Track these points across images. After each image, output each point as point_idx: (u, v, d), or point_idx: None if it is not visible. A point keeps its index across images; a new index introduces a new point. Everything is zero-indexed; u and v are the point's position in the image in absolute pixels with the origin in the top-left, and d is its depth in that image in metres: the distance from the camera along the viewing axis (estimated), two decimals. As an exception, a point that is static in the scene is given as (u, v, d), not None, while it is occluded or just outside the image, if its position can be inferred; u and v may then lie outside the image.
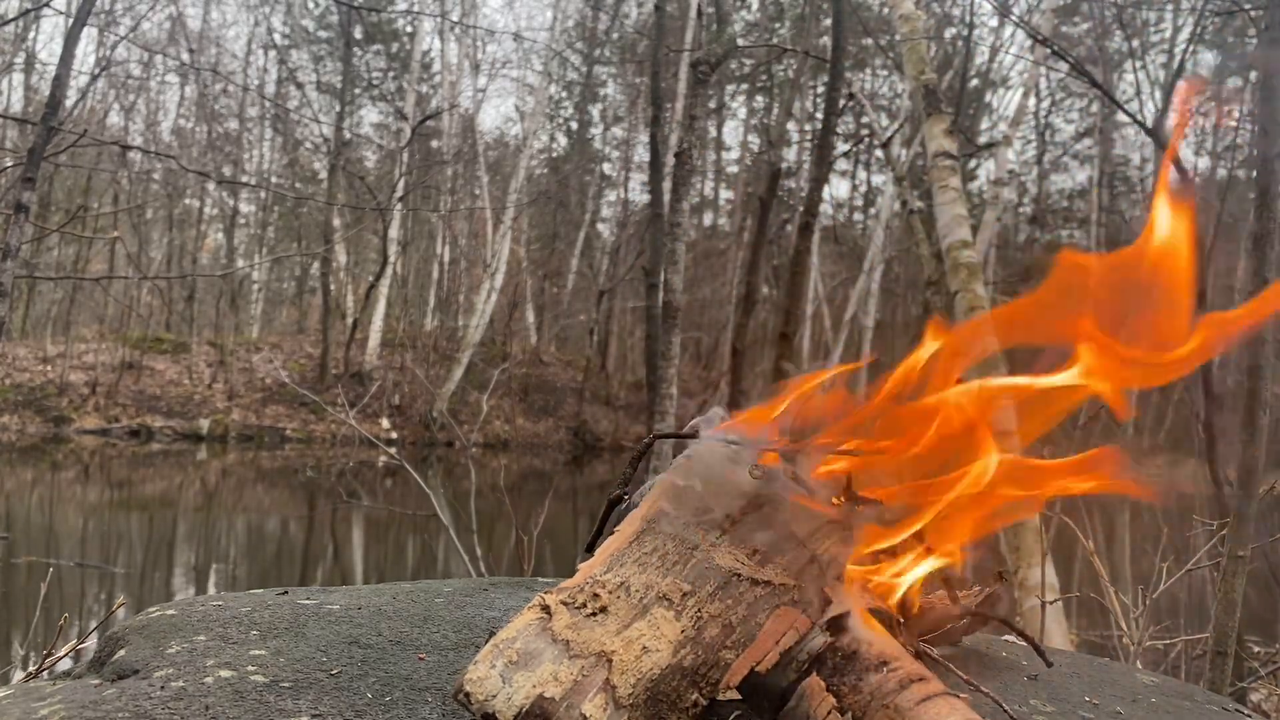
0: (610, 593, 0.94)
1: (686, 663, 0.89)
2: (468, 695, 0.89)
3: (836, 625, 0.96)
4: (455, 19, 22.12)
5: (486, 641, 0.94)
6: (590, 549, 1.21)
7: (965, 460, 1.07)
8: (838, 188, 28.34)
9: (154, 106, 24.01)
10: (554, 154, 28.98)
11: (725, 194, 29.98)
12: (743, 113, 28.98)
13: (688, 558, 0.98)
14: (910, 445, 1.10)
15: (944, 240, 4.63)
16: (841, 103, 6.63)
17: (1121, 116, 20.34)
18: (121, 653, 1.16)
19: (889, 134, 8.31)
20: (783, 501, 1.05)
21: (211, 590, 7.78)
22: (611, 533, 1.10)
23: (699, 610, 0.93)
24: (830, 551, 1.02)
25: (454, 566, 7.95)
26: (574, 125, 29.06)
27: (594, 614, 0.93)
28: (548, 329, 26.03)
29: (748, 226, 23.44)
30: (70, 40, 2.84)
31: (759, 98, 28.10)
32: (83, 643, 1.93)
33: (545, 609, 0.94)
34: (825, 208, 24.97)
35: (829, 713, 0.89)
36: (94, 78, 15.08)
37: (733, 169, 29.68)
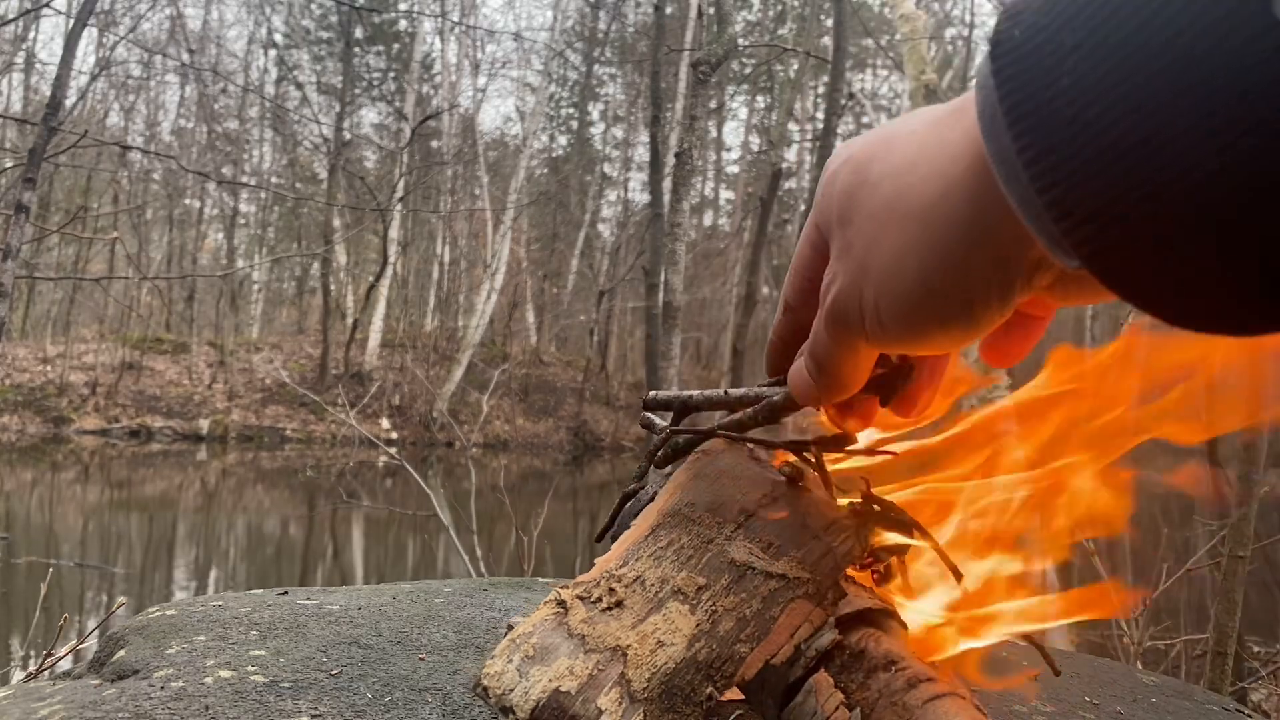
0: (626, 587, 0.95)
1: (701, 656, 0.89)
2: (485, 689, 0.90)
3: (846, 623, 0.96)
4: (455, 19, 22.14)
5: (487, 640, 0.94)
6: (600, 539, 1.22)
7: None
8: (838, 188, 28.33)
9: (154, 107, 24.05)
10: (554, 154, 29.01)
11: (725, 194, 30.03)
12: (743, 113, 29.03)
13: (703, 551, 0.98)
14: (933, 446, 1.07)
15: (944, 240, 4.63)
16: (842, 103, 6.62)
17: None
18: (121, 653, 1.17)
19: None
20: (799, 496, 1.05)
21: (211, 590, 7.78)
22: (625, 526, 1.11)
23: (714, 604, 0.92)
24: (845, 545, 1.02)
25: (454, 566, 7.95)
26: (574, 125, 29.10)
27: (609, 608, 0.93)
28: (548, 329, 26.04)
29: (748, 226, 23.46)
30: (71, 40, 2.84)
31: (760, 98, 28.13)
32: (83, 643, 1.93)
33: (561, 604, 0.95)
34: (825, 208, 24.90)
35: (836, 708, 0.90)
36: (94, 78, 15.10)
37: (733, 169, 29.72)
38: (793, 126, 24.36)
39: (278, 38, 25.08)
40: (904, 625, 1.00)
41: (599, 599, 0.94)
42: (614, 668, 0.87)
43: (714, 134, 27.82)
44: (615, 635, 0.90)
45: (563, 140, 29.49)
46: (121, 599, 2.24)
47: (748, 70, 25.94)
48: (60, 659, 1.64)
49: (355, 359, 20.71)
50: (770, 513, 1.02)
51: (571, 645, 0.90)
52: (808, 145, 23.56)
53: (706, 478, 1.07)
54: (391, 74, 26.08)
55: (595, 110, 28.65)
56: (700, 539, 0.99)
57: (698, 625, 0.90)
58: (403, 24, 24.89)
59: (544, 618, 0.94)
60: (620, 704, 0.86)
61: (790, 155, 24.08)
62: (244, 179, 23.29)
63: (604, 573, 0.98)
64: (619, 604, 0.93)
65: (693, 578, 0.95)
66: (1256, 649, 3.94)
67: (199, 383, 19.65)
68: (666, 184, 6.74)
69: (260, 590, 1.46)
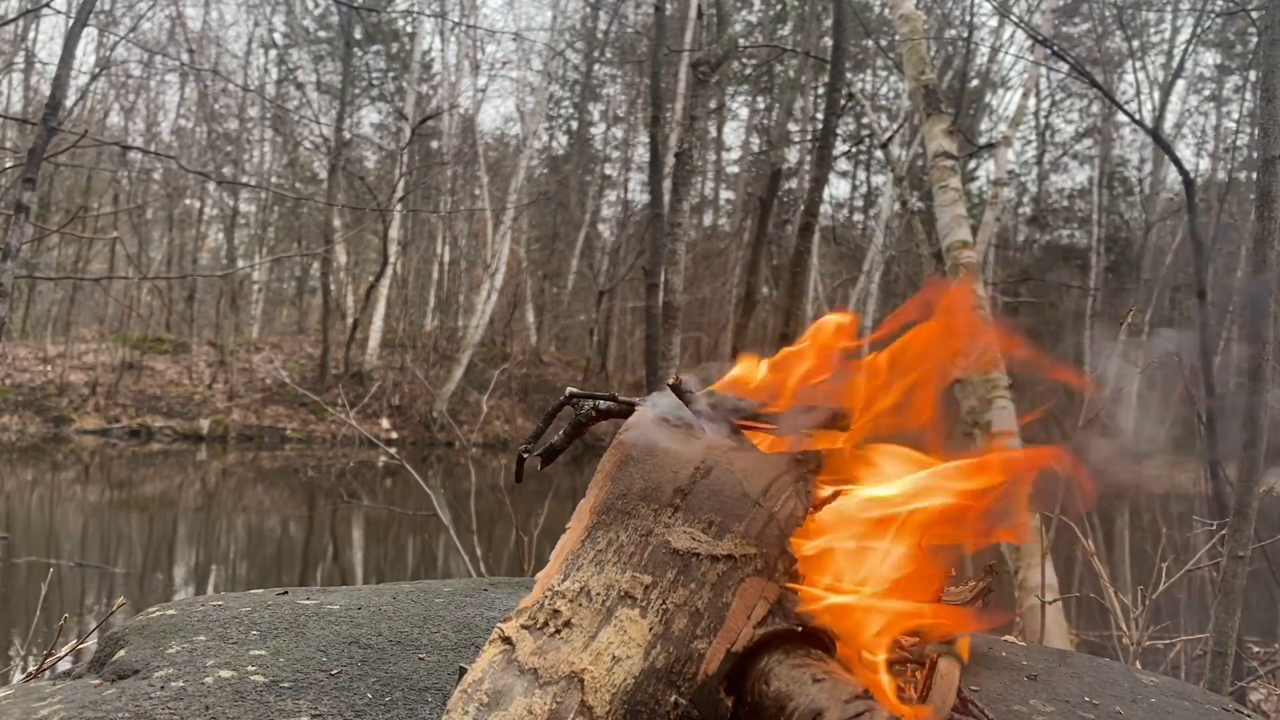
0: (571, 602, 0.91)
1: (659, 663, 0.85)
2: None
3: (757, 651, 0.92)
4: (455, 19, 22.13)
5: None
6: (528, 448, 1.20)
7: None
8: (838, 188, 28.35)
9: (154, 107, 24.02)
10: (554, 154, 28.99)
11: (725, 194, 30.00)
12: (744, 113, 28.99)
13: (644, 545, 0.94)
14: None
15: (944, 240, 4.63)
16: (842, 103, 6.62)
17: (1121, 116, 20.35)
18: (121, 653, 1.16)
19: (889, 134, 8.31)
20: (731, 461, 1.01)
21: (211, 590, 7.77)
22: (552, 435, 1.09)
23: (664, 602, 0.89)
24: (787, 508, 0.98)
25: (454, 566, 7.94)
26: (574, 125, 29.07)
27: (557, 632, 0.89)
28: (548, 329, 26.03)
29: (748, 226, 23.45)
30: (70, 40, 2.84)
31: (760, 98, 28.11)
32: (83, 643, 1.93)
33: (507, 640, 0.90)
34: (825, 208, 24.98)
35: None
36: (94, 78, 15.10)
37: (733, 169, 29.70)
38: (793, 126, 24.35)
39: (277, 38, 25.08)
40: (828, 641, 0.95)
41: (545, 624, 0.90)
42: (572, 697, 0.83)
43: (714, 134, 27.80)
44: (568, 661, 0.86)
45: (563, 140, 29.50)
46: (121, 599, 2.23)
47: (748, 70, 25.92)
48: (60, 659, 1.64)
49: (355, 359, 20.69)
50: (706, 486, 0.97)
51: (525, 683, 0.85)
52: (808, 145, 23.53)
53: (634, 461, 1.03)
54: (391, 74, 26.06)
55: (595, 110, 28.65)
56: (639, 533, 0.95)
57: (651, 629, 0.87)
58: (400, 23, 24.90)
59: (491, 659, 0.89)
60: None
61: (790, 156, 24.07)
62: (244, 179, 23.28)
63: (546, 591, 0.93)
64: (567, 624, 0.89)
65: (638, 578, 0.91)
66: (1256, 649, 3.94)
67: (199, 383, 19.64)
68: (666, 184, 6.74)
69: (260, 590, 1.46)
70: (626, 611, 0.89)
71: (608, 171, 27.77)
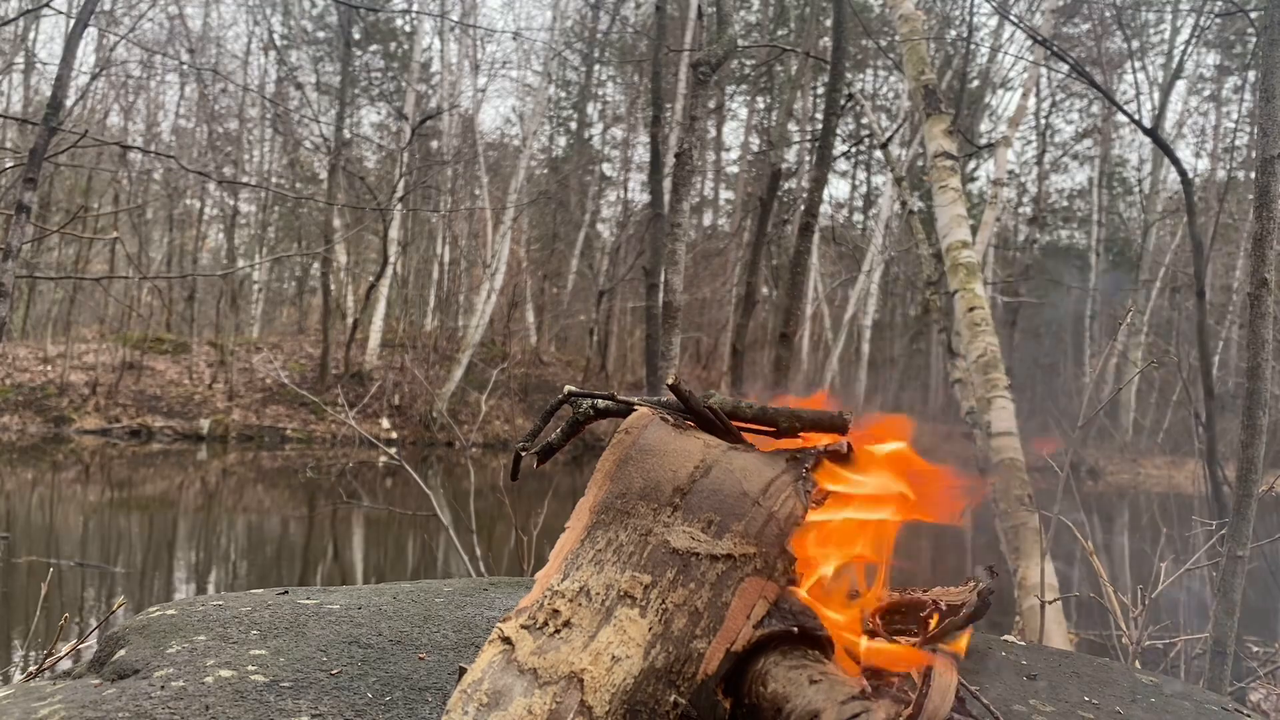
0: (570, 602, 0.91)
1: (659, 663, 0.85)
2: None
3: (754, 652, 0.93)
4: (455, 19, 22.13)
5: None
6: (527, 443, 1.21)
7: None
8: (838, 188, 28.37)
9: (154, 107, 24.01)
10: (554, 154, 28.97)
11: (725, 194, 30.00)
12: (743, 113, 28.99)
13: (643, 545, 0.94)
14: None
15: (943, 240, 4.63)
16: (842, 103, 6.61)
17: (1121, 116, 20.34)
18: (122, 652, 1.17)
19: (889, 134, 8.30)
20: (730, 460, 1.01)
21: (211, 590, 7.77)
22: (550, 431, 1.09)
23: (663, 601, 0.89)
24: (786, 507, 0.98)
25: (454, 566, 7.94)
26: (574, 125, 29.06)
27: (557, 631, 0.89)
28: (548, 329, 26.02)
29: (748, 226, 23.44)
30: (71, 41, 2.84)
31: (760, 98, 28.10)
32: (83, 643, 1.93)
33: (506, 640, 0.90)
34: (825, 208, 24.97)
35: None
36: (94, 78, 15.11)
37: (733, 169, 29.69)
38: (793, 126, 24.33)
39: (277, 38, 25.06)
40: (825, 642, 0.95)
41: (545, 624, 0.90)
42: (572, 697, 0.83)
43: (714, 134, 27.79)
44: (568, 661, 0.86)
45: (562, 140, 29.49)
46: (121, 599, 2.23)
47: (748, 70, 25.91)
48: (61, 659, 1.64)
49: (355, 359, 20.69)
50: (706, 485, 0.97)
51: (525, 683, 0.85)
52: (808, 145, 23.51)
53: (633, 460, 1.03)
54: (391, 74, 26.06)
55: (595, 111, 28.65)
56: (639, 532, 0.95)
57: (650, 629, 0.87)
58: (400, 23, 24.90)
59: (491, 659, 0.89)
60: None
61: (790, 156, 24.05)
62: (244, 179, 23.27)
63: (546, 590, 0.93)
64: (567, 624, 0.89)
65: (637, 577, 0.91)
66: (1256, 649, 3.94)
67: (199, 383, 19.64)
68: (666, 184, 6.73)
69: (260, 590, 1.46)
70: (626, 611, 0.89)
71: (607, 171, 27.79)
